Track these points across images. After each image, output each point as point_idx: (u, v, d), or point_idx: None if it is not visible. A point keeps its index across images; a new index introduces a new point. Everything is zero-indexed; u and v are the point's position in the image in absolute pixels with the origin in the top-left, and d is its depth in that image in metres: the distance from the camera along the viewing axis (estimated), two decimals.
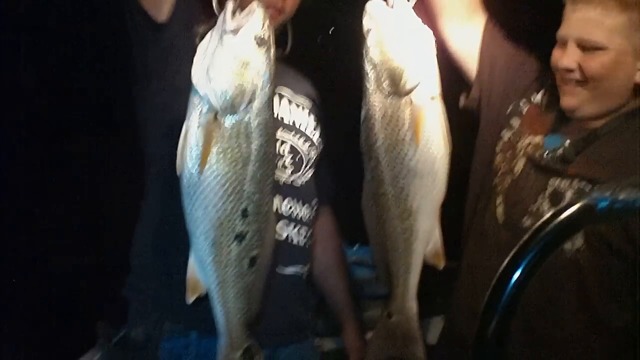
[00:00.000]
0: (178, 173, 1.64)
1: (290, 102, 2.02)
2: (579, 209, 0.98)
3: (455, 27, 2.01)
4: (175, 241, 1.79)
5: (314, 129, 2.05)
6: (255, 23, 1.59)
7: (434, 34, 1.78)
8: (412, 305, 1.86)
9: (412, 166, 1.75)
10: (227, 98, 1.59)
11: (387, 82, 1.72)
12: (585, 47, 1.82)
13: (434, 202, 1.80)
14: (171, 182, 1.71)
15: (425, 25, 1.76)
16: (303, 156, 2.00)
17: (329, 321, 2.37)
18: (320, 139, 2.07)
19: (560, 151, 1.90)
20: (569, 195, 1.88)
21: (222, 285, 1.69)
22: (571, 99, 1.88)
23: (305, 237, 2.00)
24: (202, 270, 1.70)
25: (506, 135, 2.00)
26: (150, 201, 1.97)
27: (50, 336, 3.17)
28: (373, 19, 1.72)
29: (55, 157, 3.50)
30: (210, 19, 1.75)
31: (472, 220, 2.05)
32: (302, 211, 1.99)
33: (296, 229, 1.97)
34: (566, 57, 1.85)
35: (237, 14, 1.61)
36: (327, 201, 2.18)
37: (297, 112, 2.02)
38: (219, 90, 1.58)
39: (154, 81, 1.88)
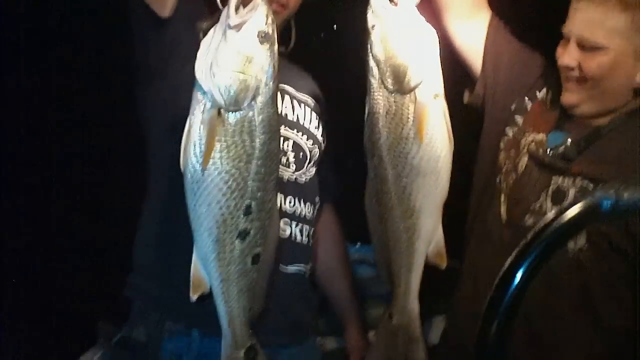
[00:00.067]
0: (182, 169, 1.63)
1: (293, 99, 2.01)
2: (582, 208, 0.98)
3: (461, 23, 2.01)
4: (178, 240, 1.79)
5: (317, 127, 2.04)
6: (259, 18, 1.58)
7: (439, 30, 1.78)
8: (414, 305, 1.84)
9: (415, 164, 1.74)
10: (231, 94, 1.58)
11: (390, 79, 1.71)
12: (586, 47, 1.83)
13: (436, 201, 1.79)
14: (174, 180, 1.71)
15: (429, 24, 1.75)
16: (306, 154, 1.99)
17: (331, 320, 2.36)
18: (323, 137, 2.06)
19: (562, 149, 1.90)
20: (571, 193, 1.88)
21: (225, 282, 1.68)
22: (571, 95, 1.89)
23: (308, 235, 1.99)
24: (205, 268, 1.69)
25: (510, 132, 2.00)
26: (152, 200, 1.96)
27: (51, 335, 3.16)
28: (377, 16, 1.71)
29: (57, 156, 3.49)
30: (213, 14, 1.75)
31: (475, 218, 2.04)
32: (305, 209, 1.98)
33: (299, 227, 1.96)
34: (567, 55, 1.86)
35: (241, 9, 1.60)
36: (330, 199, 2.18)
37: (300, 110, 2.01)
38: (223, 85, 1.57)
39: (156, 77, 1.87)
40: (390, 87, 1.72)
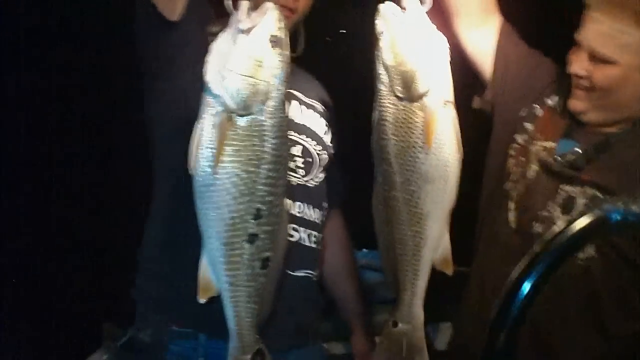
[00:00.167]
0: (191, 173, 1.63)
1: (301, 104, 2.01)
2: (591, 221, 0.98)
3: (471, 29, 2.01)
4: (184, 242, 1.78)
5: (325, 132, 2.04)
6: (270, 22, 1.59)
7: (449, 35, 1.78)
8: (419, 313, 1.83)
9: (423, 171, 1.74)
10: (241, 97, 1.58)
11: (399, 85, 1.71)
12: (596, 58, 1.82)
13: (444, 208, 1.78)
14: (180, 182, 1.71)
15: (439, 30, 1.75)
16: (314, 159, 1.99)
17: (338, 325, 2.36)
18: (331, 142, 2.06)
19: (571, 157, 1.89)
20: (580, 202, 1.88)
21: (234, 286, 1.67)
22: (578, 102, 1.90)
23: (316, 239, 1.99)
24: (213, 271, 1.68)
25: (520, 138, 1.99)
26: (159, 201, 1.96)
27: (56, 337, 3.16)
28: (386, 22, 1.71)
29: (60, 156, 3.50)
30: (223, 18, 1.75)
31: (483, 224, 2.04)
32: (313, 214, 1.98)
33: (307, 232, 1.96)
34: (577, 64, 1.86)
35: (251, 13, 1.60)
36: (338, 204, 2.17)
37: (308, 114, 2.02)
38: (233, 89, 1.57)
39: (161, 79, 1.87)
40: (399, 94, 1.71)
